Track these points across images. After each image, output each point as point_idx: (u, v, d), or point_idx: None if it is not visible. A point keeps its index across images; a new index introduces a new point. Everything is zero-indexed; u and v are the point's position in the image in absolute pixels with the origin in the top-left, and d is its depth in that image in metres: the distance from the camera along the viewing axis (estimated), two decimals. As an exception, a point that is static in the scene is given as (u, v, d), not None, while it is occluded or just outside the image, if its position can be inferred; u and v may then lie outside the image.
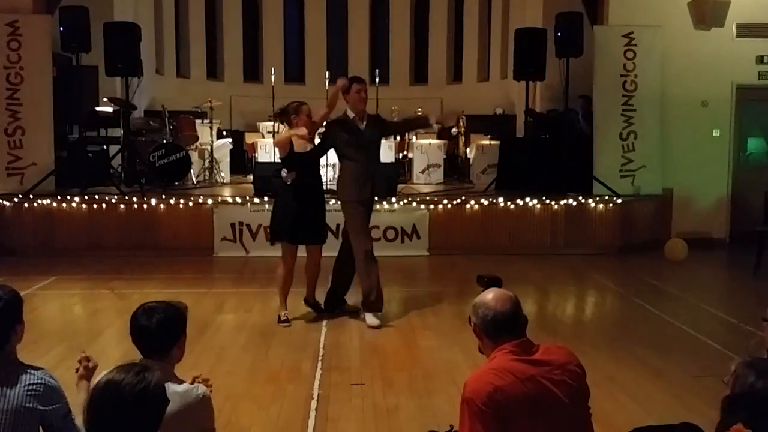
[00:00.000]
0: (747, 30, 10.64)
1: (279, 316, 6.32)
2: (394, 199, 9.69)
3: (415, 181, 12.42)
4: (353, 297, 6.75)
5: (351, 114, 6.46)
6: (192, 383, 2.98)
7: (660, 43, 10.45)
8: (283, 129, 13.02)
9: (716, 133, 10.83)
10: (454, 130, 13.79)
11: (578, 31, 10.26)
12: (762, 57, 10.70)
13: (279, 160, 6.58)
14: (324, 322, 6.40)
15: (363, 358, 5.48)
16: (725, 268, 9.89)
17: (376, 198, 6.66)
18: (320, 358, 5.45)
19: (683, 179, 10.74)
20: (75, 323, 6.65)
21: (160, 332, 2.79)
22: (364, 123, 6.44)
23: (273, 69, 12.33)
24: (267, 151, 12.23)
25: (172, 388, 2.71)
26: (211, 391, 3.01)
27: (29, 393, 2.63)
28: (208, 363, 5.22)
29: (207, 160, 12.26)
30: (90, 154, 10.87)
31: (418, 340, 5.96)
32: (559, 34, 10.28)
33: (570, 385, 2.64)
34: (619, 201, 9.91)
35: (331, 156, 7.68)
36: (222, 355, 5.50)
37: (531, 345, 2.72)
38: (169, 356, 2.84)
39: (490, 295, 2.78)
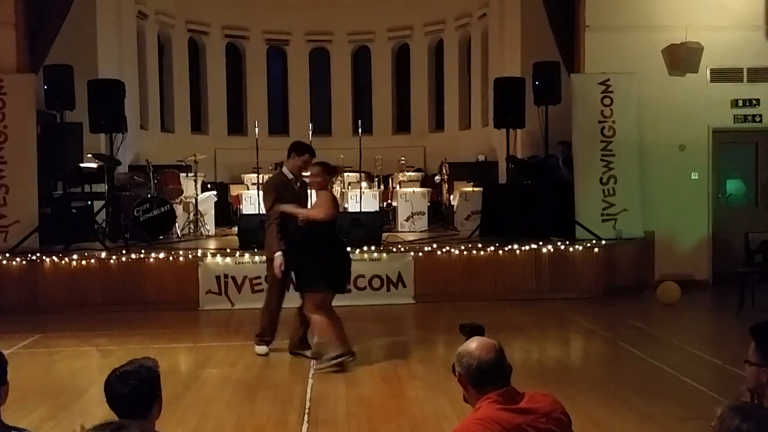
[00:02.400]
0: (720, 75, 10.91)
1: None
2: (380, 248, 9.73)
3: (399, 229, 12.49)
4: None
5: (289, 174, 6.92)
6: None
7: (636, 89, 10.68)
8: (267, 176, 13.17)
9: (695, 176, 11.01)
10: (437, 178, 13.93)
11: (556, 79, 10.46)
12: (736, 101, 10.95)
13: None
14: (310, 374, 6.37)
15: (350, 410, 5.44)
16: (709, 309, 9.94)
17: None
18: (307, 411, 5.41)
19: (664, 222, 10.87)
20: (59, 382, 6.57)
21: (137, 397, 2.75)
22: (298, 185, 6.99)
23: (257, 122, 12.46)
24: (252, 203, 12.29)
25: None
26: None
27: None
28: (194, 419, 5.18)
29: (192, 214, 12.30)
30: (74, 210, 10.88)
31: (405, 390, 5.94)
32: (537, 82, 10.48)
33: (556, 433, 2.64)
34: (602, 245, 10.00)
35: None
36: (207, 412, 5.44)
37: (516, 393, 2.73)
38: (150, 416, 2.80)
39: (474, 344, 2.79)
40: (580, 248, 9.95)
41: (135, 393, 2.75)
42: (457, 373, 2.80)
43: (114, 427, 2.10)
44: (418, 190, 13.03)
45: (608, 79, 10.58)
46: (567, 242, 9.99)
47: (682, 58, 10.74)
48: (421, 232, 12.29)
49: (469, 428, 2.59)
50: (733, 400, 2.31)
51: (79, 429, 2.95)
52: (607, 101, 10.58)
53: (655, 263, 10.84)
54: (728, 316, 8.62)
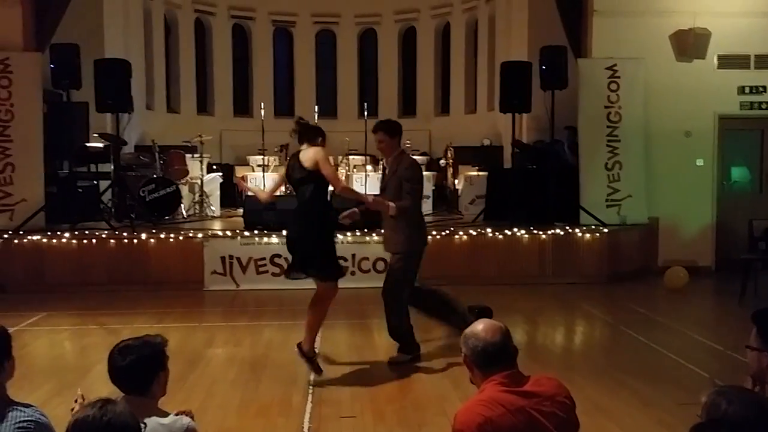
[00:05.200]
0: (728, 61, 10.85)
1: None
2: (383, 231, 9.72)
3: (404, 213, 12.46)
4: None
5: None
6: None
7: (643, 74, 10.64)
8: (274, 162, 13.15)
9: (700, 162, 10.99)
10: (442, 162, 13.91)
11: (563, 64, 10.43)
12: (743, 87, 10.91)
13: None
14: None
15: (353, 391, 5.49)
16: (712, 295, 9.96)
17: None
18: (310, 391, 5.46)
19: (668, 208, 10.87)
20: (65, 359, 6.64)
21: (134, 371, 2.79)
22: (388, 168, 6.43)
23: (262, 103, 12.45)
24: (257, 185, 12.28)
25: (156, 421, 2.73)
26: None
27: (19, 430, 2.59)
28: (199, 398, 5.23)
29: (197, 194, 12.32)
30: (80, 190, 10.88)
31: (408, 372, 5.98)
32: (543, 67, 10.45)
33: (559, 416, 2.66)
34: (606, 230, 10.00)
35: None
36: (212, 390, 5.50)
37: (521, 376, 2.74)
38: (150, 393, 2.83)
39: (480, 326, 2.81)
40: (585, 234, 9.96)
41: (133, 367, 2.79)
42: (462, 354, 2.82)
43: (101, 404, 2.18)
44: (423, 173, 13.01)
45: (615, 65, 10.54)
46: (571, 227, 10.00)
47: (689, 43, 10.68)
48: (425, 215, 12.26)
49: (474, 409, 2.60)
50: (723, 386, 2.33)
51: (79, 399, 3.01)
52: (613, 86, 10.55)
53: (658, 249, 10.85)
54: (731, 303, 8.64)
